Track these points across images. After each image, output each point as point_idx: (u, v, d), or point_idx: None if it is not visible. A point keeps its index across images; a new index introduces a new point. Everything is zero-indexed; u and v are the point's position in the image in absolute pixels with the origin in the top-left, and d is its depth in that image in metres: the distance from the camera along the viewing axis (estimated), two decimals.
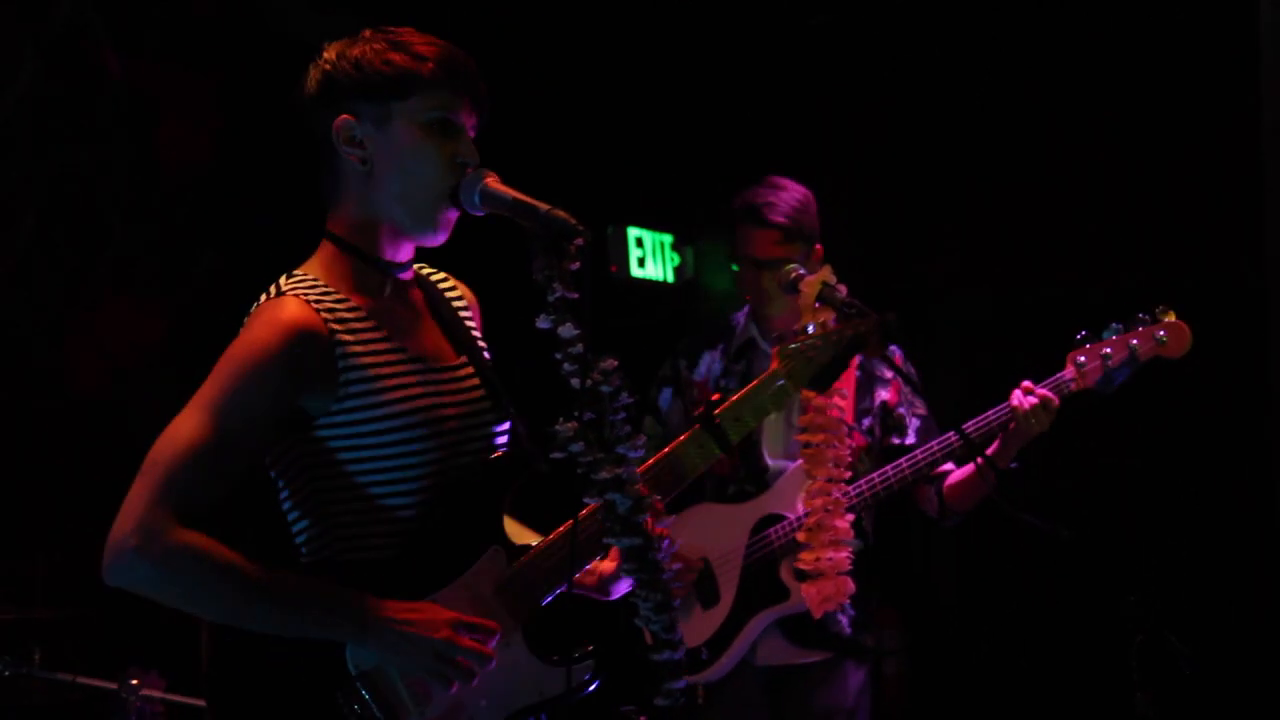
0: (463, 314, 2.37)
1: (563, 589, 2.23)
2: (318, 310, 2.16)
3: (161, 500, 2.04)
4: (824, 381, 2.51)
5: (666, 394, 3.82)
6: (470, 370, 2.29)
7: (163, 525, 2.03)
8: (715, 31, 5.31)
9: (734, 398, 2.39)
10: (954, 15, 5.03)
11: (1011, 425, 3.33)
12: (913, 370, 3.54)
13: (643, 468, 2.23)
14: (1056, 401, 3.33)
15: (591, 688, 2.22)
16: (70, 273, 4.36)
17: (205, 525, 2.09)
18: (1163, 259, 4.58)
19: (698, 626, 3.57)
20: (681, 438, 2.34)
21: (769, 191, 3.60)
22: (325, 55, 2.24)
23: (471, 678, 2.13)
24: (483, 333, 2.41)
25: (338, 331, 2.16)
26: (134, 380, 4.34)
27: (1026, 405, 3.32)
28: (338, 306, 2.19)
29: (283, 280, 2.21)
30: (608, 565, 2.35)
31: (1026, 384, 3.36)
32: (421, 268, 2.37)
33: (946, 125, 5.07)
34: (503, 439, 2.30)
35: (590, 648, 2.23)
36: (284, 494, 2.25)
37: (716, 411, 2.35)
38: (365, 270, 2.24)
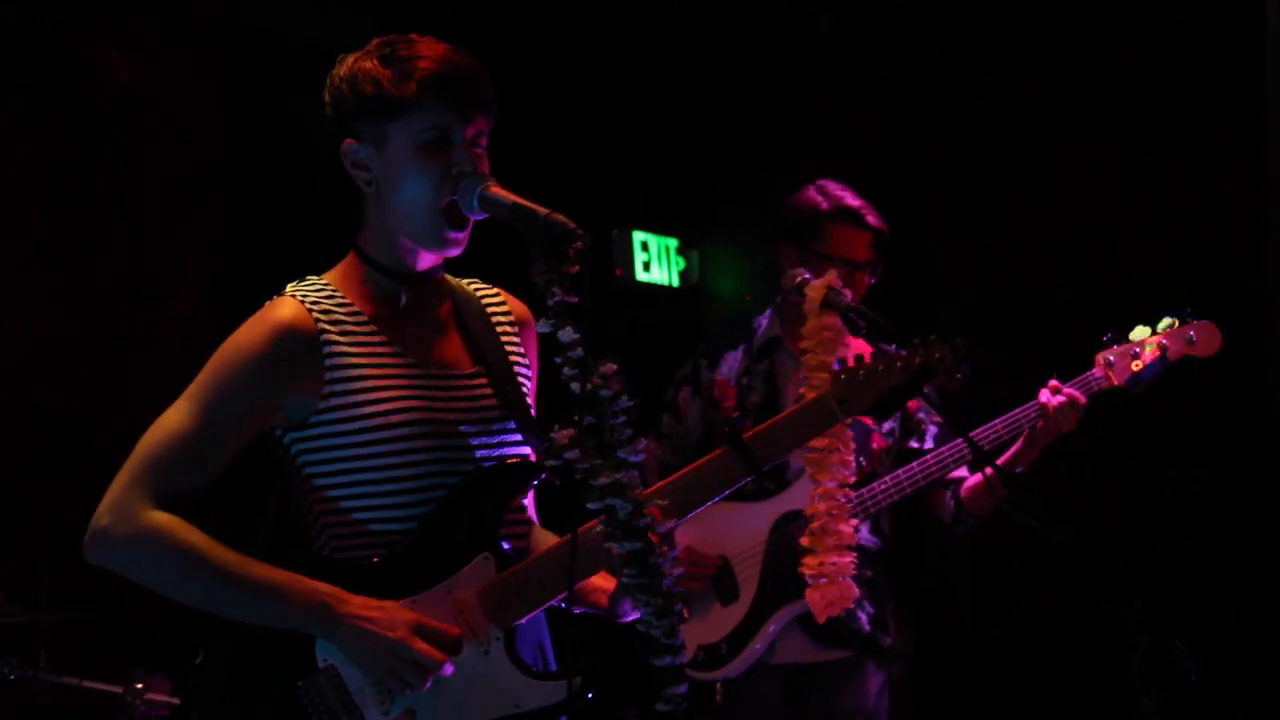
0: (501, 329, 2.37)
1: (554, 602, 2.22)
2: (311, 310, 2.21)
3: (137, 483, 2.14)
4: (885, 411, 2.42)
5: (686, 393, 3.82)
6: (484, 380, 2.30)
7: (135, 506, 2.12)
8: (722, 35, 5.31)
9: (774, 420, 2.32)
10: (961, 18, 5.02)
11: (1040, 424, 3.34)
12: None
13: (652, 489, 2.19)
14: (1084, 400, 3.34)
15: (576, 706, 2.17)
16: (74, 278, 4.37)
17: (193, 514, 2.15)
18: (1169, 265, 4.57)
19: (717, 623, 3.57)
20: (703, 460, 2.27)
21: (855, 196, 3.65)
22: (335, 70, 2.28)
23: (423, 681, 2.13)
24: (535, 354, 2.42)
25: (328, 331, 2.20)
26: (139, 383, 4.35)
27: (1054, 404, 3.33)
28: (338, 310, 2.24)
29: (291, 284, 2.27)
30: (609, 583, 2.29)
31: (1054, 383, 3.36)
32: (472, 283, 2.41)
33: (953, 128, 5.07)
34: (513, 450, 2.29)
35: (579, 665, 2.18)
36: (295, 497, 2.27)
37: (749, 434, 2.26)
38: (380, 280, 2.28)
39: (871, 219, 3.62)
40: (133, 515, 2.12)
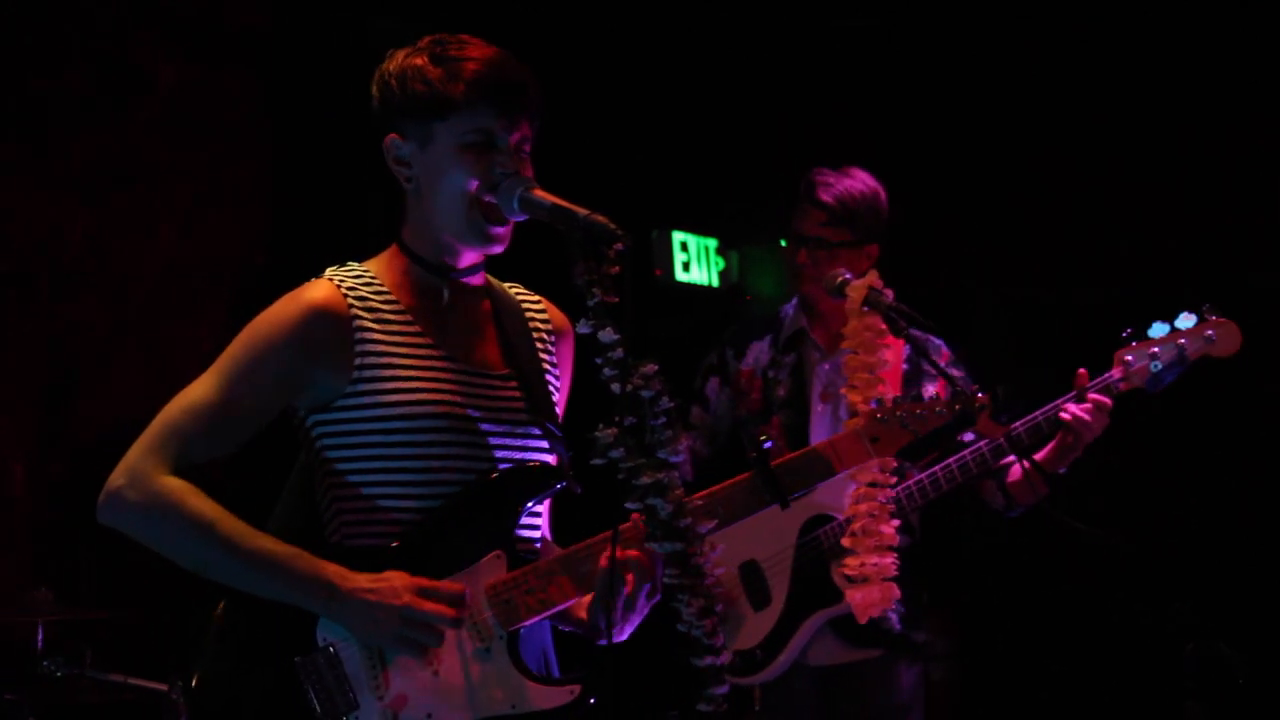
0: (538, 334, 2.36)
1: (553, 611, 2.20)
2: (346, 295, 2.21)
3: (155, 449, 2.17)
4: (917, 454, 2.45)
5: (713, 383, 3.80)
6: (514, 383, 2.29)
7: (150, 470, 2.15)
8: (761, 35, 5.30)
9: (805, 451, 2.33)
10: (994, 18, 5.00)
11: (1069, 439, 3.28)
12: (960, 373, 3.50)
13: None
14: (1109, 403, 3.29)
15: (576, 713, 2.16)
16: (119, 279, 4.41)
17: (211, 489, 2.16)
18: (1200, 260, 4.53)
19: (751, 628, 3.56)
20: (731, 481, 2.27)
21: (831, 173, 3.63)
22: (384, 66, 2.27)
23: (438, 639, 2.13)
24: (571, 364, 2.41)
25: (361, 316, 2.20)
26: (180, 382, 4.38)
27: (1080, 413, 3.27)
28: (374, 297, 2.24)
29: (330, 268, 2.27)
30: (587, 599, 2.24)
31: (1082, 371, 3.30)
32: (514, 287, 2.40)
33: (992, 127, 5.04)
34: (536, 454, 2.28)
35: (580, 673, 2.18)
36: (313, 480, 2.27)
37: (776, 462, 2.26)
38: (420, 274, 2.28)
39: (823, 195, 3.58)
40: (148, 479, 2.15)
